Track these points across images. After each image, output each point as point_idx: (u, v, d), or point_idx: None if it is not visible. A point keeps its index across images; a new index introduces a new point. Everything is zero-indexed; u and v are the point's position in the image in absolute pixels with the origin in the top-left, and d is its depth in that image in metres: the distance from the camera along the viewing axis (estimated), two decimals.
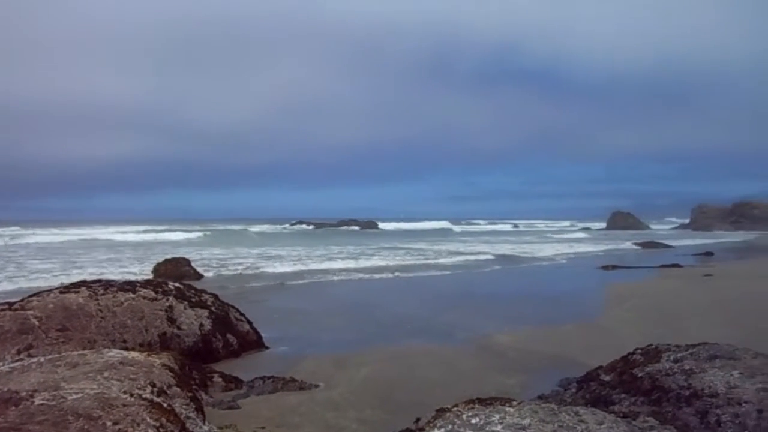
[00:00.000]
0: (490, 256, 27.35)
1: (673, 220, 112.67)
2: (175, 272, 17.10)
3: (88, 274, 17.26)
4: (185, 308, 7.78)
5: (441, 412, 3.71)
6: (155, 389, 4.31)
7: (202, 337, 7.64)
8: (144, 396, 4.05)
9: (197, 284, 10.26)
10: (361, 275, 18.84)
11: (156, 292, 7.80)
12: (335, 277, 18.13)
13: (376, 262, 23.42)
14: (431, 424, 3.60)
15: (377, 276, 18.68)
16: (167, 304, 7.66)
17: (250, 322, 8.61)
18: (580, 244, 40.59)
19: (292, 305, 12.49)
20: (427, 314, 11.13)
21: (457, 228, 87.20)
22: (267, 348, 8.40)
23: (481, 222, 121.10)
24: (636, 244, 38.90)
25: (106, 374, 4.25)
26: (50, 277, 16.88)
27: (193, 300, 8.10)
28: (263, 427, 4.98)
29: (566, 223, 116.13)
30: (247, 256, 25.49)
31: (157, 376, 4.56)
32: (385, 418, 5.24)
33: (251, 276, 18.43)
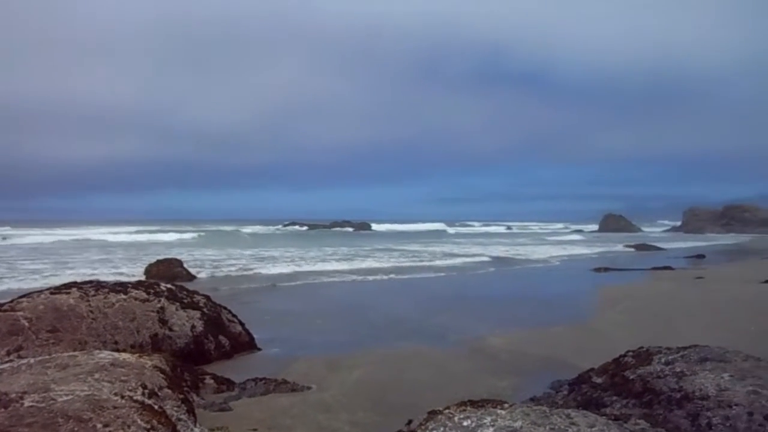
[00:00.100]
0: (484, 258, 27.42)
1: (666, 222, 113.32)
2: (167, 273, 17.04)
3: (80, 275, 17.16)
4: (177, 309, 7.74)
5: (433, 414, 3.71)
6: (146, 391, 4.28)
7: (194, 339, 7.61)
8: (135, 398, 4.03)
9: (189, 285, 10.22)
10: (354, 277, 18.84)
11: (148, 294, 7.76)
12: (328, 279, 18.12)
13: (370, 263, 23.41)
14: (423, 427, 3.60)
15: (371, 278, 18.68)
16: (159, 305, 7.63)
17: (242, 324, 8.59)
18: (574, 246, 40.74)
19: (284, 307, 12.47)
20: (420, 316, 11.14)
21: (451, 230, 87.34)
22: (259, 349, 8.38)
23: (475, 224, 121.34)
24: (628, 246, 39.07)
25: (96, 376, 4.22)
26: (40, 278, 16.76)
27: (185, 301, 8.07)
28: (255, 429, 4.96)
29: (560, 225, 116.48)
30: (239, 257, 25.42)
31: (149, 377, 4.54)
32: (377, 421, 5.24)
33: (244, 277, 18.39)
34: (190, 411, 4.68)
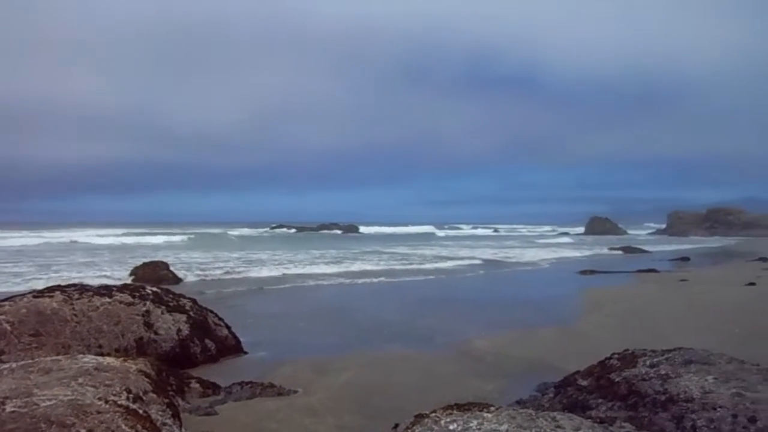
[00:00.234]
0: (474, 261, 27.49)
1: (651, 225, 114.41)
2: (153, 276, 16.91)
3: (65, 278, 16.96)
4: (163, 313, 7.68)
5: (419, 418, 3.70)
6: (131, 395, 4.24)
7: (180, 342, 7.55)
8: (119, 402, 3.99)
9: (176, 288, 10.16)
10: (342, 280, 18.80)
11: (133, 297, 7.69)
12: (316, 282, 18.07)
13: (359, 266, 23.34)
14: (410, 430, 3.59)
15: (359, 281, 18.65)
16: (144, 308, 7.56)
17: (228, 327, 8.53)
18: (563, 249, 40.94)
19: (272, 310, 12.41)
20: (408, 319, 11.13)
21: (440, 232, 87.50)
22: (246, 353, 8.33)
23: (463, 226, 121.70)
24: (615, 249, 39.38)
25: (80, 380, 4.18)
26: (23, 281, 16.54)
27: (171, 304, 8.01)
28: None
29: (547, 228, 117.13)
30: (227, 260, 25.27)
31: (133, 382, 4.50)
32: (364, 424, 5.22)
33: (231, 280, 18.28)
34: (176, 415, 4.64)
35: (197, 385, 6.19)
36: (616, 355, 5.44)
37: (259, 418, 5.32)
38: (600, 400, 4.73)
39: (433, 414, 3.67)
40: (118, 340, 7.03)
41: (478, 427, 3.34)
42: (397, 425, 4.26)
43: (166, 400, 4.70)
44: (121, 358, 5.11)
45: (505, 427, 3.29)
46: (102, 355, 5.58)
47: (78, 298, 7.19)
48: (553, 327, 10.04)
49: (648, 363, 4.92)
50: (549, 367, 7.13)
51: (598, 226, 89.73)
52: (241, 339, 8.53)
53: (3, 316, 6.54)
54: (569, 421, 3.44)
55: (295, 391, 6.23)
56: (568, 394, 5.23)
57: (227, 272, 20.20)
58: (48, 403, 3.61)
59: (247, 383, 6.34)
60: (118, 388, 4.21)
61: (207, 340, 7.90)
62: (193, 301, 8.61)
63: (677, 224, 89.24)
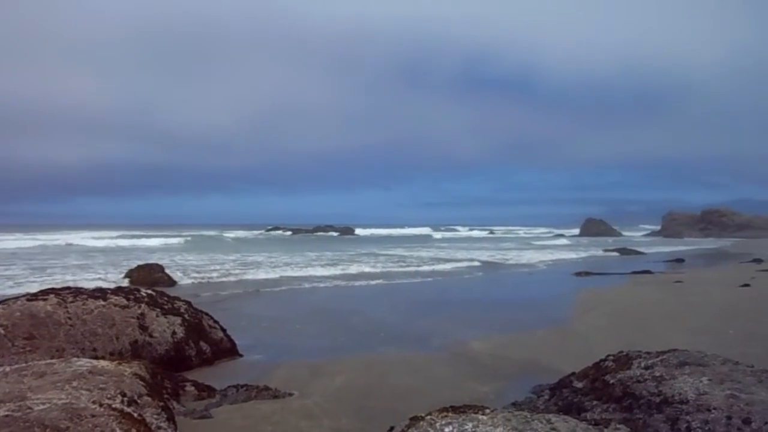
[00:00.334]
0: (471, 263, 27.47)
1: (646, 226, 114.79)
2: (148, 279, 16.87)
3: (59, 281, 16.90)
4: (157, 316, 7.66)
5: (414, 420, 3.70)
6: (125, 399, 4.23)
7: (175, 345, 7.52)
8: (114, 406, 3.97)
9: (171, 291, 10.14)
10: (339, 282, 18.78)
11: (128, 300, 7.66)
12: (313, 284, 18.04)
13: (355, 269, 23.29)
14: None
15: (356, 283, 18.63)
16: (139, 311, 7.54)
17: (224, 330, 8.51)
18: (559, 250, 41.00)
19: (267, 312, 12.39)
20: (404, 321, 11.13)
21: (437, 234, 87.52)
22: (241, 356, 8.31)
23: (459, 228, 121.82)
24: (610, 250, 39.49)
25: (74, 384, 4.16)
26: (15, 285, 16.44)
27: (166, 307, 7.98)
28: None
29: (543, 230, 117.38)
30: (223, 263, 25.21)
31: (128, 385, 4.48)
32: (360, 427, 5.22)
33: (227, 283, 18.23)
34: (170, 419, 4.63)
35: (192, 388, 6.17)
36: (611, 357, 5.45)
37: (254, 421, 5.31)
38: (595, 402, 4.74)
39: (429, 416, 3.67)
40: (113, 343, 7.00)
41: (473, 429, 3.34)
42: (392, 428, 4.26)
43: (161, 404, 4.68)
44: (116, 362, 5.10)
45: (500, 429, 3.29)
46: (96, 358, 5.56)
47: (72, 301, 7.15)
48: (548, 328, 10.06)
49: (643, 365, 4.94)
50: (544, 369, 7.14)
51: (592, 228, 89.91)
52: (237, 342, 8.51)
53: None
54: (564, 424, 3.45)
55: (291, 394, 6.22)
56: (564, 396, 5.23)
57: (223, 275, 20.15)
58: (42, 407, 3.60)
59: (242, 386, 6.33)
60: (112, 392, 4.20)
61: (202, 343, 7.88)
62: (188, 303, 8.58)
63: (672, 226, 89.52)
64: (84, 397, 3.91)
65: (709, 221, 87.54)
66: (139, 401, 4.38)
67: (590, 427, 3.54)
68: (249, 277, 19.77)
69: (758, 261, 26.92)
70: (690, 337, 8.67)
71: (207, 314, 8.63)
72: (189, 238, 52.97)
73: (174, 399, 5.64)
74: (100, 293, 7.70)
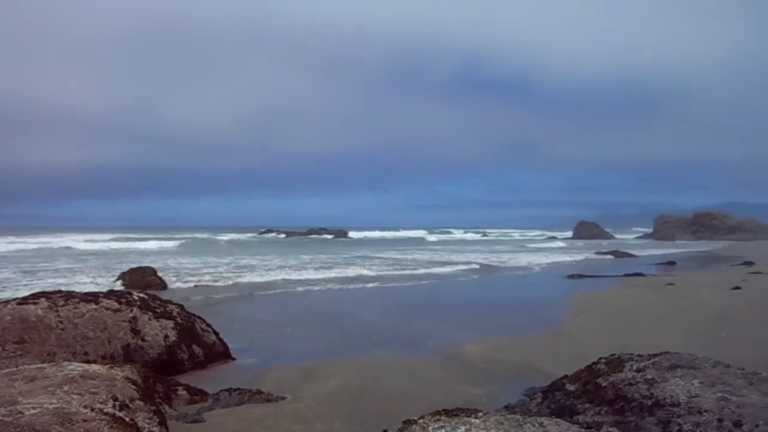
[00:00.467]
0: (466, 266, 27.42)
1: (638, 229, 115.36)
2: (140, 282, 16.80)
3: (52, 284, 16.80)
4: (150, 319, 7.63)
5: (407, 424, 3.71)
6: (117, 403, 4.21)
7: (167, 349, 7.50)
8: (105, 410, 3.96)
9: (163, 294, 10.09)
10: (333, 285, 18.74)
11: (119, 303, 7.63)
12: (307, 287, 18.00)
13: (350, 272, 23.23)
14: None
15: (350, 286, 18.59)
16: (131, 315, 7.50)
17: (216, 333, 8.49)
18: (554, 253, 41.07)
19: (261, 316, 12.36)
20: (397, 324, 11.13)
21: (431, 237, 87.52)
22: (234, 359, 8.29)
23: (454, 231, 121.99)
24: (604, 253, 39.65)
25: (65, 388, 4.14)
26: (6, 288, 16.29)
27: (158, 311, 7.95)
28: None
29: (537, 232, 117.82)
30: (216, 266, 25.13)
31: (120, 389, 4.46)
32: (352, 430, 5.21)
33: (220, 286, 18.17)
34: (163, 423, 4.61)
35: (185, 392, 6.15)
36: (603, 360, 5.47)
37: (247, 425, 5.29)
38: (587, 405, 4.76)
39: (421, 420, 3.68)
40: (105, 347, 6.97)
41: None
42: (385, 431, 4.27)
43: (153, 408, 4.66)
44: (108, 366, 5.08)
45: None
46: (88, 362, 5.52)
47: (63, 305, 7.12)
48: (541, 331, 10.08)
49: (634, 367, 4.96)
50: (537, 372, 7.16)
51: (585, 231, 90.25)
52: (230, 345, 8.48)
53: None
54: (556, 427, 3.46)
55: (284, 398, 6.21)
56: (556, 398, 5.25)
57: (216, 278, 20.09)
58: (33, 411, 3.58)
59: (235, 390, 6.31)
60: (104, 396, 4.17)
61: (194, 347, 7.85)
62: (181, 307, 8.56)
63: (664, 228, 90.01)
64: (75, 402, 3.89)
65: (701, 224, 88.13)
66: (131, 405, 4.36)
67: (582, 430, 3.56)
68: (242, 280, 19.70)
69: (749, 264, 27.06)
70: (681, 339, 8.71)
71: (200, 317, 8.60)
72: (183, 241, 52.75)
73: (166, 403, 5.62)
74: (91, 297, 7.66)
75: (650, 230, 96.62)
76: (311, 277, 21.12)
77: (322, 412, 5.70)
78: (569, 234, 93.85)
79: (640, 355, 5.30)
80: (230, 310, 13.01)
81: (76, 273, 21.37)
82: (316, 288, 17.90)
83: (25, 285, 16.77)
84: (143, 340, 7.34)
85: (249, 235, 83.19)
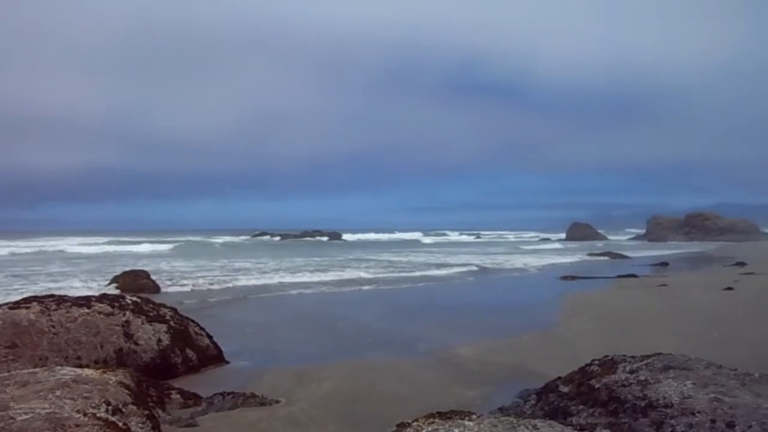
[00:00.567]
0: (464, 268, 27.40)
1: (631, 230, 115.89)
2: (133, 285, 16.72)
3: (45, 288, 16.71)
4: (143, 323, 7.59)
5: (401, 427, 3.70)
6: (110, 408, 4.19)
7: (160, 353, 7.46)
8: (98, 415, 3.94)
9: (157, 298, 10.06)
10: (327, 288, 18.71)
11: (112, 307, 7.59)
12: (301, 290, 17.96)
13: (346, 274, 23.16)
14: None
15: (345, 289, 18.55)
16: (124, 318, 7.47)
17: (210, 337, 8.46)
18: (550, 255, 41.14)
19: (255, 319, 12.33)
20: (392, 327, 11.13)
21: (427, 239, 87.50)
22: (228, 362, 8.26)
23: (449, 233, 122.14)
24: (598, 255, 39.78)
25: (58, 393, 4.12)
26: None
27: (151, 314, 7.92)
28: None
29: (532, 234, 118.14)
30: (210, 269, 25.04)
31: (113, 394, 4.44)
32: None
33: (214, 289, 18.11)
34: (156, 427, 4.59)
35: (178, 396, 6.13)
36: (597, 361, 5.49)
37: (240, 429, 5.28)
38: (581, 407, 4.77)
39: (415, 423, 3.68)
40: (97, 352, 6.93)
41: None
42: None
43: (146, 412, 4.64)
44: (100, 370, 5.05)
45: None
46: (81, 366, 5.50)
47: (55, 309, 7.08)
48: (535, 333, 10.10)
49: (628, 369, 4.98)
50: (531, 374, 7.17)
51: (578, 232, 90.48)
52: (223, 348, 8.46)
53: None
54: (550, 429, 3.46)
55: (278, 401, 6.19)
56: (550, 400, 5.26)
57: (210, 281, 20.02)
58: (25, 416, 3.56)
59: (228, 393, 6.29)
60: (97, 401, 4.15)
61: (188, 350, 7.82)
62: (174, 310, 8.52)
63: (656, 230, 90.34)
64: (68, 407, 3.87)
65: (693, 225, 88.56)
66: (123, 410, 4.33)
67: None
68: (237, 283, 19.64)
69: (741, 264, 27.22)
70: (674, 340, 8.74)
71: (193, 321, 8.57)
72: (176, 244, 52.56)
73: (159, 407, 5.59)
74: (84, 301, 7.62)
75: (643, 231, 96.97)
76: (306, 279, 21.07)
77: (316, 416, 5.69)
78: (562, 235, 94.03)
79: (633, 357, 5.32)
80: (224, 313, 12.97)
81: (69, 277, 21.26)
82: (310, 291, 17.87)
83: (17, 289, 16.67)
84: (136, 344, 7.31)
85: (243, 237, 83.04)
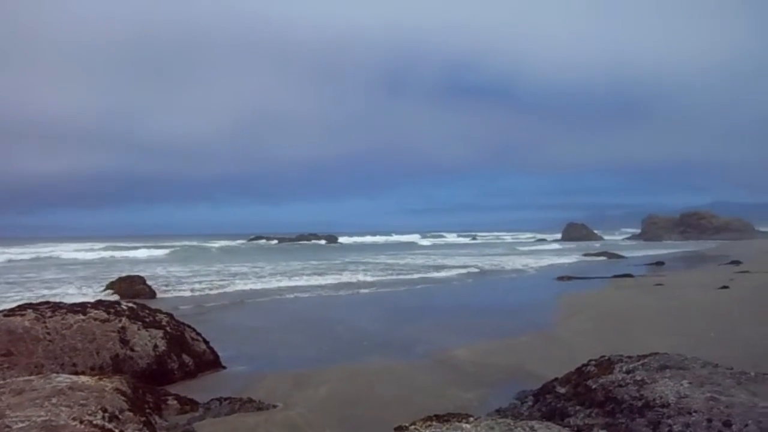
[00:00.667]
0: (461, 270, 27.40)
1: (627, 230, 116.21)
2: (129, 291, 16.68)
3: (40, 295, 16.64)
4: (139, 329, 7.57)
5: (399, 430, 3.70)
6: (107, 414, 4.18)
7: (157, 359, 7.44)
8: (95, 422, 3.92)
9: (153, 303, 10.01)
10: (326, 291, 18.68)
11: (108, 313, 7.57)
12: (298, 294, 17.93)
13: (343, 277, 23.11)
14: None
15: (343, 292, 18.52)
16: (120, 325, 7.44)
17: (206, 342, 8.43)
18: (547, 255, 41.18)
19: (251, 323, 12.30)
20: (389, 329, 11.12)
21: (424, 241, 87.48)
22: (224, 368, 8.24)
23: (446, 234, 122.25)
24: (594, 255, 39.88)
25: (54, 400, 4.10)
26: None
27: (147, 320, 7.89)
28: None
29: (528, 235, 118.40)
30: (207, 274, 24.98)
31: (109, 400, 4.43)
32: None
33: (211, 293, 18.07)
34: None
35: (175, 402, 6.10)
36: (593, 362, 5.50)
37: None
38: (578, 408, 4.77)
39: (413, 426, 3.67)
40: (93, 358, 6.91)
41: None
42: None
43: (143, 419, 4.63)
44: (97, 377, 5.03)
45: None
46: (77, 373, 5.48)
47: (51, 316, 7.05)
48: (532, 334, 10.11)
49: (624, 369, 4.99)
50: (528, 375, 7.17)
51: (574, 232, 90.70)
52: (220, 353, 8.44)
53: None
54: (547, 430, 3.47)
55: (275, 406, 6.18)
56: (547, 401, 5.26)
57: (207, 285, 19.96)
58: (21, 425, 3.54)
59: (225, 399, 6.27)
60: (93, 408, 4.14)
61: (184, 356, 7.80)
62: (170, 316, 8.50)
63: (652, 229, 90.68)
64: (64, 414, 3.85)
65: (688, 224, 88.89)
66: (120, 417, 4.32)
67: None
68: (233, 288, 19.58)
69: (736, 263, 27.32)
70: (670, 339, 8.77)
71: (189, 326, 8.55)
72: (173, 249, 52.42)
73: (156, 413, 5.57)
74: (79, 307, 7.59)
75: (638, 231, 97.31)
76: (303, 283, 21.03)
77: (313, 420, 5.68)
78: (558, 236, 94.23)
79: (629, 357, 5.33)
80: (220, 318, 12.94)
81: (64, 283, 21.16)
82: (308, 295, 17.84)
83: (12, 296, 16.59)
84: (132, 350, 7.28)
85: (239, 241, 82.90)
